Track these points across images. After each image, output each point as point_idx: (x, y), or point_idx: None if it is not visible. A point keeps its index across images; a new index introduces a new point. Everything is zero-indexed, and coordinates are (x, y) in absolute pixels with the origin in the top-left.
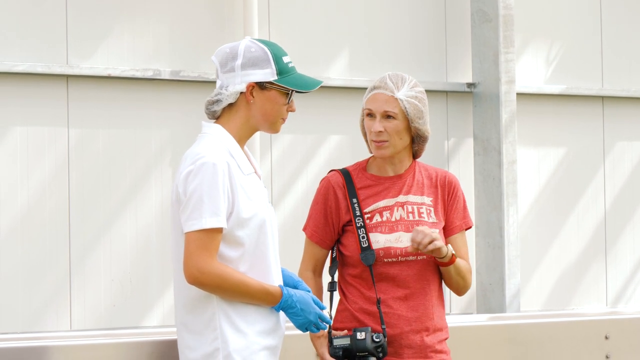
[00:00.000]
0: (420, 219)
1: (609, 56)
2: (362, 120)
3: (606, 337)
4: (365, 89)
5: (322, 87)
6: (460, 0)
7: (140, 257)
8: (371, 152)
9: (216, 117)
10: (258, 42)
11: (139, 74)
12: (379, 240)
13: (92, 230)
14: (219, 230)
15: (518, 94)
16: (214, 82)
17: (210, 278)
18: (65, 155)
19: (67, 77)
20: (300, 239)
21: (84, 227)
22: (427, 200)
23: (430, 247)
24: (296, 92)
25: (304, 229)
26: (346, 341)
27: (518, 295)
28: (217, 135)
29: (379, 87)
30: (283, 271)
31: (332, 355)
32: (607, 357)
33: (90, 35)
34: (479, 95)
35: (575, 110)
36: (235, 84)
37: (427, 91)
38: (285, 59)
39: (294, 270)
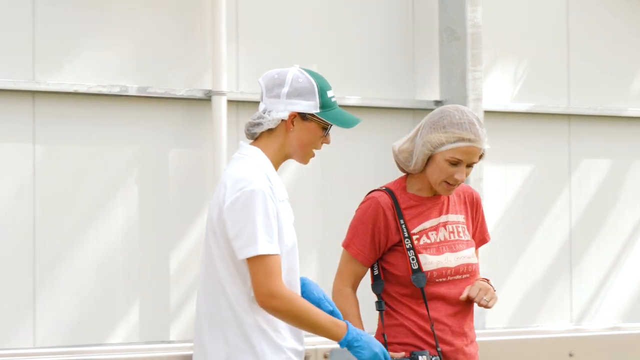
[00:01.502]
0: (459, 238)
1: (576, 75)
2: (423, 154)
3: (570, 355)
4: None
5: None
6: (428, 18)
7: (106, 274)
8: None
9: (255, 138)
10: (306, 72)
11: (105, 90)
12: (432, 262)
13: (57, 247)
14: (277, 255)
15: (485, 112)
16: (181, 99)
17: (282, 303)
18: (31, 171)
19: (34, 93)
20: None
21: (49, 244)
22: (461, 218)
23: (492, 304)
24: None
25: (346, 246)
26: None
27: (483, 312)
28: (256, 159)
29: (475, 141)
30: (305, 280)
31: None
32: None
33: (57, 51)
34: None
35: (542, 128)
36: (278, 111)
37: (394, 109)
38: (329, 93)
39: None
